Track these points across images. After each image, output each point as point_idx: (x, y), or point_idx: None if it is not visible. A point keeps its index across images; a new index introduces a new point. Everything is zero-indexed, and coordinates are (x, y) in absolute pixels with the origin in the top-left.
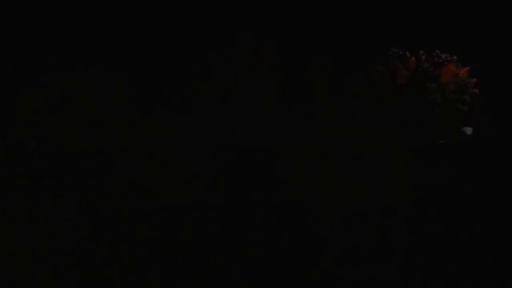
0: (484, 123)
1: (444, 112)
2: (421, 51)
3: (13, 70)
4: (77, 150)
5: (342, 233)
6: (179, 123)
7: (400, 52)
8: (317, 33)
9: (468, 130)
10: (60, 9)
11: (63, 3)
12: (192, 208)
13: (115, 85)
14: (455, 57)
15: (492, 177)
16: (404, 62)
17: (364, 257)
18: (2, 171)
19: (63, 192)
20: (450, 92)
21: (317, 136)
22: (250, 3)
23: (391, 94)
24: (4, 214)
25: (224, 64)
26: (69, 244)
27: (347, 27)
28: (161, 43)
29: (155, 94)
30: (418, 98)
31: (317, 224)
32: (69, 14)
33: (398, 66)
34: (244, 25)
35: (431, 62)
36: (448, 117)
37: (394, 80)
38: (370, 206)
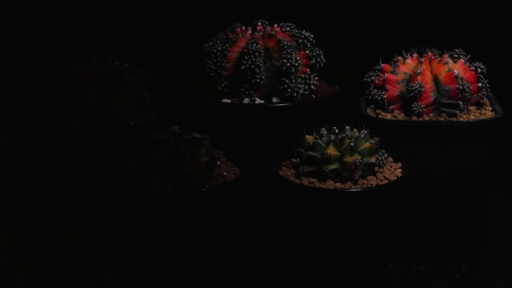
0: None
1: None
2: None
3: (15, 68)
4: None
5: None
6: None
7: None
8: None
9: None
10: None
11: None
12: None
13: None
14: None
15: None
16: None
17: None
18: (4, 171)
19: (64, 190)
20: None
21: None
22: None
23: None
24: (5, 213)
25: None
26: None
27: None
28: (161, 43)
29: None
30: None
31: None
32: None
33: None
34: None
35: None
36: None
37: None
38: None
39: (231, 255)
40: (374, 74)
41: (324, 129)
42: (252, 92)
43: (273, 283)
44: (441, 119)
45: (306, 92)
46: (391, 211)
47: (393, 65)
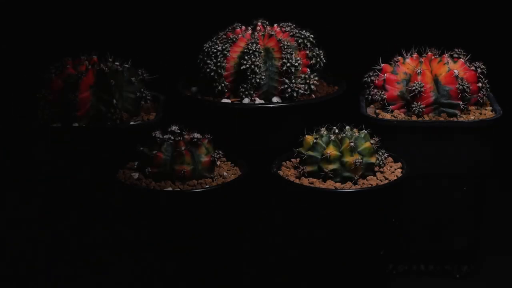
0: None
1: None
2: None
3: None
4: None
5: None
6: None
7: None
8: None
9: None
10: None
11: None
12: None
13: None
14: None
15: None
16: None
17: None
18: (4, 171)
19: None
20: None
21: None
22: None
23: None
24: (5, 213)
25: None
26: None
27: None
28: (161, 43)
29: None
30: None
31: None
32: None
33: None
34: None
35: None
36: None
37: None
38: None
39: (231, 255)
40: (374, 74)
41: (324, 129)
42: (252, 92)
43: (273, 283)
44: (441, 119)
45: (306, 92)
46: (391, 211)
47: (393, 65)
